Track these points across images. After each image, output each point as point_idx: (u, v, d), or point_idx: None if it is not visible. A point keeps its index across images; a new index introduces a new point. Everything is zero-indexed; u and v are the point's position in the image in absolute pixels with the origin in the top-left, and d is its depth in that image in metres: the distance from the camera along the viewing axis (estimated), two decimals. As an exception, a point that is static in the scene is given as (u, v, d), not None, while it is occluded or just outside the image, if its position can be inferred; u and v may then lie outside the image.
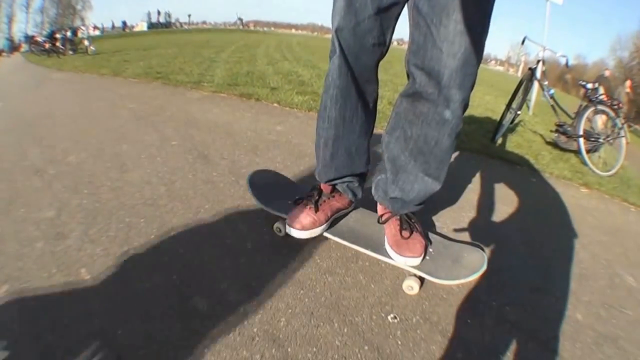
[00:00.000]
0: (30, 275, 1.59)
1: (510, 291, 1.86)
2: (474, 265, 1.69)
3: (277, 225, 1.99)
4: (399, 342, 1.46)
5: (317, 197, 1.90)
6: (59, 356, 1.24)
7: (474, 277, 1.66)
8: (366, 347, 1.42)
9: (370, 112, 1.85)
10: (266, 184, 2.17)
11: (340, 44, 1.60)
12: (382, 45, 1.66)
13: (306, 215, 1.82)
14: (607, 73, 13.43)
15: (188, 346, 1.32)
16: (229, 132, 3.76)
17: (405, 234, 1.74)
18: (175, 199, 2.28)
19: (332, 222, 1.95)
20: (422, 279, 1.73)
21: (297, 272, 1.76)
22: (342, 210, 2.01)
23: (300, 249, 1.92)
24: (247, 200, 2.31)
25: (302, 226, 1.80)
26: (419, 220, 1.82)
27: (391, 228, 1.81)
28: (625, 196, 3.83)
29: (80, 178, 2.49)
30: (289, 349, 1.36)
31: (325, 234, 1.88)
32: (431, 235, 1.90)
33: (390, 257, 1.73)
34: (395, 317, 1.57)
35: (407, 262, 1.68)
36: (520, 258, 2.17)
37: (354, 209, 2.08)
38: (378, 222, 1.89)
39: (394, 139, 1.76)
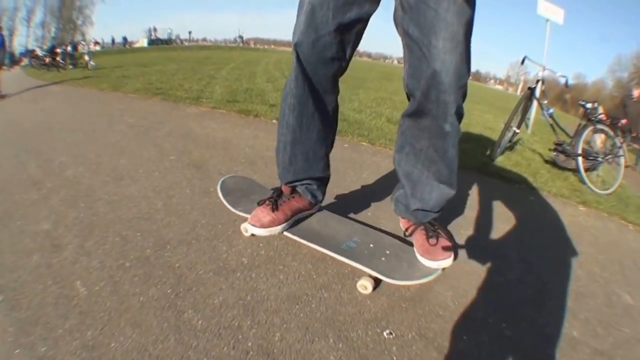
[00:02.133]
0: (26, 286, 1.59)
1: (506, 308, 1.86)
2: (428, 269, 1.76)
3: (243, 225, 2.11)
4: (395, 358, 1.45)
5: (276, 197, 1.99)
6: (52, 368, 1.24)
7: (427, 279, 1.72)
8: (361, 363, 1.41)
9: (328, 120, 1.96)
10: (238, 189, 2.29)
11: (298, 57, 1.71)
12: (342, 59, 1.78)
13: (266, 214, 1.90)
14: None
15: (182, 359, 1.32)
16: (227, 148, 3.78)
17: (432, 241, 1.80)
18: (171, 214, 2.28)
19: (295, 223, 2.04)
20: (377, 280, 1.77)
21: (293, 288, 1.76)
22: (303, 212, 2.10)
23: (296, 265, 1.93)
24: (244, 215, 2.30)
25: (262, 224, 1.89)
26: (440, 224, 1.89)
27: (418, 239, 1.86)
28: (624, 214, 3.82)
29: (78, 191, 2.49)
30: (283, 364, 1.36)
31: (286, 233, 1.97)
32: (390, 239, 2.01)
33: (424, 265, 1.78)
34: (390, 333, 1.57)
35: (440, 264, 1.74)
36: (517, 275, 2.16)
37: (320, 210, 2.17)
38: (404, 236, 1.95)
39: (404, 155, 1.86)
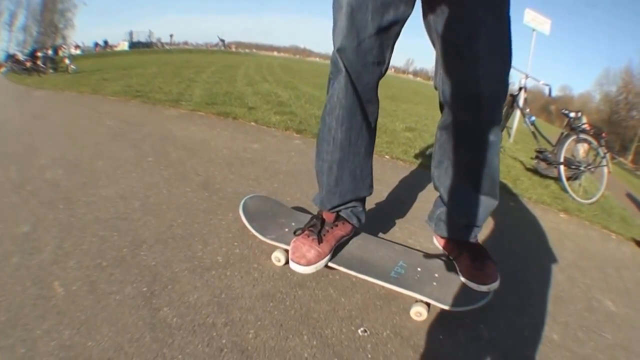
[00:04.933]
0: (5, 289, 1.58)
1: (484, 309, 1.81)
2: (480, 292, 1.70)
3: (275, 254, 1.93)
4: (369, 356, 1.46)
5: (319, 227, 1.81)
6: (30, 368, 1.24)
7: (482, 303, 1.65)
8: (335, 360, 1.42)
9: (372, 132, 1.84)
10: (260, 211, 2.13)
11: (344, 64, 1.59)
12: (382, 64, 1.67)
13: (309, 249, 1.72)
14: None
15: (157, 357, 1.32)
16: (205, 149, 3.79)
17: (478, 264, 1.72)
18: (148, 214, 2.29)
19: (335, 250, 1.85)
20: (429, 305, 1.70)
21: (267, 285, 1.77)
22: (345, 238, 1.93)
23: (271, 263, 1.93)
24: (219, 215, 2.34)
25: (308, 261, 1.70)
26: (482, 246, 1.84)
27: (464, 261, 1.78)
28: (606, 224, 3.83)
29: (57, 194, 2.49)
30: (257, 361, 1.37)
31: (330, 264, 1.80)
32: (435, 261, 1.90)
33: (471, 289, 1.71)
34: (365, 331, 1.58)
35: (490, 288, 1.68)
36: None
37: (355, 234, 2.03)
38: (448, 259, 1.87)
39: (444, 171, 1.78)
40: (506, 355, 1.62)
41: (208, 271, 1.81)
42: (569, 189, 4.78)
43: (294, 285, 1.80)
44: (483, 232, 2.74)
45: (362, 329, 1.59)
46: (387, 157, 4.36)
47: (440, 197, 1.86)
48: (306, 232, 1.80)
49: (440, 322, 1.71)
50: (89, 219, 2.18)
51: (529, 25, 9.60)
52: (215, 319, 1.52)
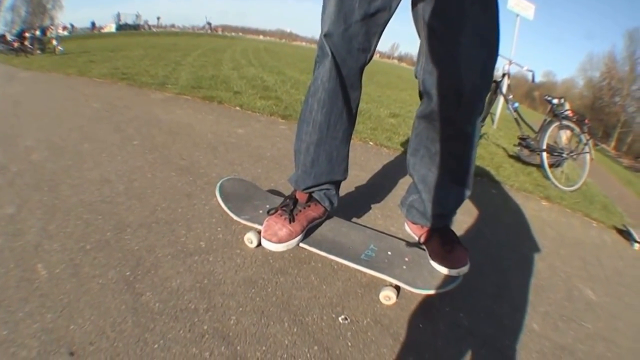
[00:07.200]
0: (-12, 271, 1.58)
1: (464, 298, 1.88)
2: (450, 277, 1.72)
3: (248, 235, 1.96)
4: (349, 343, 1.48)
5: (292, 207, 1.85)
6: (12, 351, 1.25)
7: (451, 287, 1.67)
8: (316, 347, 1.44)
9: (352, 118, 1.85)
10: (236, 193, 2.15)
11: (330, 49, 1.62)
12: (367, 51, 1.69)
13: (281, 227, 1.76)
14: None
15: (139, 342, 1.33)
16: (189, 133, 3.78)
17: (448, 248, 1.75)
18: (133, 197, 2.28)
19: (307, 232, 1.89)
20: (398, 288, 1.73)
21: (249, 272, 1.77)
22: (317, 220, 1.97)
23: (253, 249, 1.94)
24: (203, 200, 2.34)
25: (279, 239, 1.75)
26: (453, 231, 1.85)
27: (433, 246, 1.82)
28: (588, 211, 3.87)
29: (42, 175, 2.48)
30: (238, 347, 1.38)
31: (302, 245, 1.84)
32: (407, 246, 1.93)
33: (440, 272, 1.73)
34: (346, 319, 1.59)
35: (460, 272, 1.70)
36: (476, 266, 2.12)
37: (328, 217, 2.08)
38: (418, 243, 1.89)
39: (419, 159, 1.79)
40: (485, 343, 1.64)
41: (191, 256, 1.82)
42: (551, 176, 4.83)
43: (276, 272, 1.81)
44: (464, 219, 2.80)
45: (342, 316, 1.60)
46: (371, 143, 4.36)
47: (414, 184, 1.87)
48: (279, 211, 1.84)
49: (420, 311, 1.73)
50: (73, 202, 2.17)
51: (513, 10, 9.65)
52: (197, 305, 1.53)
